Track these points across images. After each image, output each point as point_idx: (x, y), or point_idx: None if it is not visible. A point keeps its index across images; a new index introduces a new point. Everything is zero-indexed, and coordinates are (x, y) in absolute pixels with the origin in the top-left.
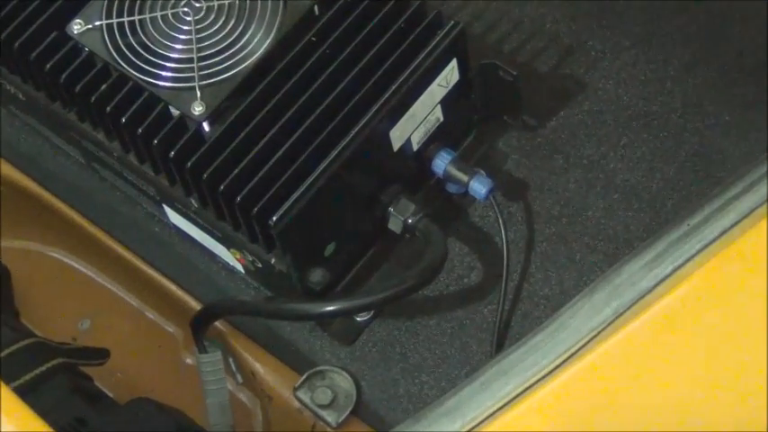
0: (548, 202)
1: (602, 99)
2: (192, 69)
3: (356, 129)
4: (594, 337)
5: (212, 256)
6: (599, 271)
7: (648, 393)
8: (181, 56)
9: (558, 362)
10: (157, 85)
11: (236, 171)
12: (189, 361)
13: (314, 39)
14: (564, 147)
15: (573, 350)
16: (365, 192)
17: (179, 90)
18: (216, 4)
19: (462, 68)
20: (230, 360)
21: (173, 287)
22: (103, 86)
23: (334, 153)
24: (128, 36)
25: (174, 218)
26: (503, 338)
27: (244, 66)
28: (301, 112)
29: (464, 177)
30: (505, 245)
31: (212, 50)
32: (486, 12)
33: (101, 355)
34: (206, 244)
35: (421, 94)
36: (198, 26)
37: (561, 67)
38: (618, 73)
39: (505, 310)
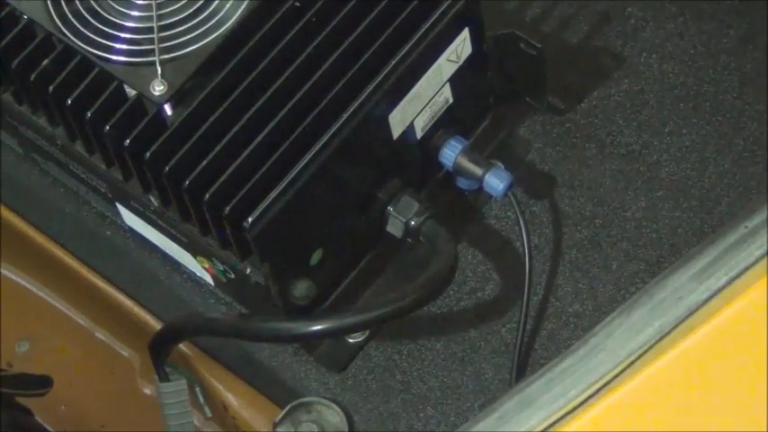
0: (578, 201)
1: (643, 76)
2: (151, 41)
3: (348, 113)
4: (634, 362)
5: (176, 265)
6: (639, 282)
7: (699, 430)
8: (138, 25)
9: (589, 392)
10: (110, 60)
11: (204, 163)
12: (147, 391)
13: (297, 4)
14: (598, 133)
15: (608, 378)
16: (359, 188)
17: (136, 66)
18: None
19: (476, 40)
20: (197, 390)
21: (128, 302)
22: (45, 61)
23: (322, 142)
24: (74, 1)
25: (130, 219)
26: (524, 364)
27: (213, 37)
28: (282, 92)
29: (478, 170)
30: (527, 252)
31: (176, 18)
32: None
33: (42, 383)
34: (168, 251)
35: (426, 70)
36: None
37: (594, 39)
38: (662, 45)
39: (528, 330)
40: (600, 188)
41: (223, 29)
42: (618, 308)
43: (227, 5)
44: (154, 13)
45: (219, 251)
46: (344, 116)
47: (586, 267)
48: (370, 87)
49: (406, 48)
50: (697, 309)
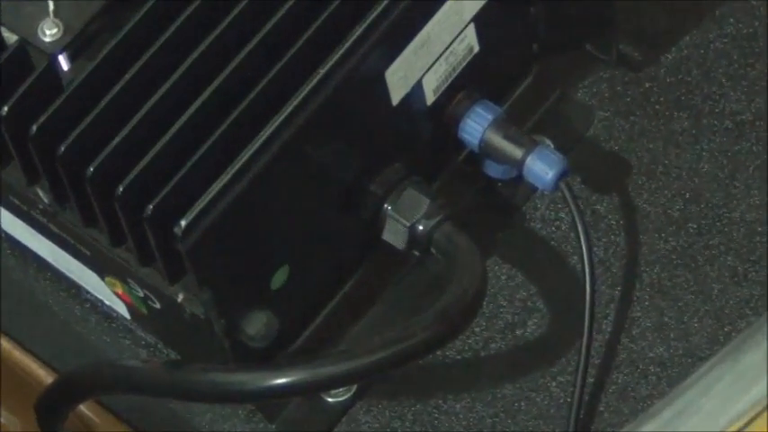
0: (662, 196)
1: (755, 15)
2: None
3: (325, 69)
4: (743, 429)
5: (74, 289)
6: (751, 314)
7: None
8: None
9: None
10: None
11: (117, 141)
12: None
13: None
14: (691, 98)
15: None
16: (341, 178)
17: (18, 0)
18: None
19: None
20: None
21: (5, 345)
22: None
23: (287, 112)
24: None
25: (9, 222)
26: (585, 430)
27: None
28: (230, 39)
29: (516, 152)
30: (588, 269)
31: None
32: None
33: None
34: (63, 269)
35: (439, 6)
36: None
37: None
38: None
39: (589, 385)
40: (695, 177)
41: None
42: (719, 351)
43: None
44: None
45: (139, 269)
46: (320, 73)
47: (674, 293)
48: (358, 32)
49: None
50: None
